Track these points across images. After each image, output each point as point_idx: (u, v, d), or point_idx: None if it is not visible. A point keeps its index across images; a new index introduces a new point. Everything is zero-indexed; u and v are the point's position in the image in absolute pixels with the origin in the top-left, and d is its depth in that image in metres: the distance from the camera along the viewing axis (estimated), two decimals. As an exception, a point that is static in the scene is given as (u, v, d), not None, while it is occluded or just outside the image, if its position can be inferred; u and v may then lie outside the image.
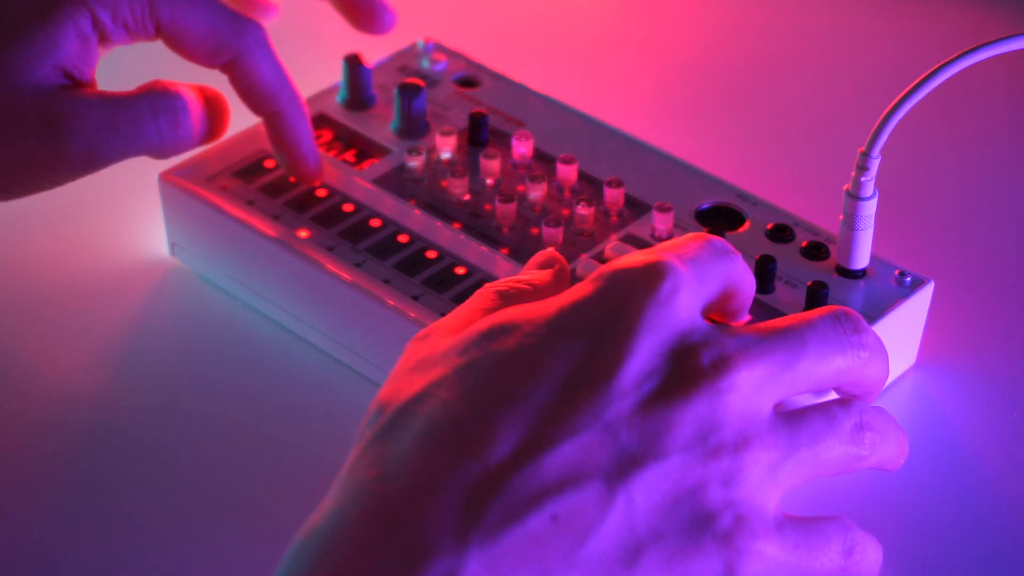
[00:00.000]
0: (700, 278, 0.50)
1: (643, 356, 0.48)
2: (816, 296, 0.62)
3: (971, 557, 0.59)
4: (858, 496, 0.62)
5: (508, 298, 0.53)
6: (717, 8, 0.92)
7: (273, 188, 0.70)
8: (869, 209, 0.63)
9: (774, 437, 0.49)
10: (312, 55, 0.83)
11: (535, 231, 0.67)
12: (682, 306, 0.49)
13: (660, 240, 0.66)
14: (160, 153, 0.66)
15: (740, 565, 0.48)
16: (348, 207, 0.69)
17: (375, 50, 0.77)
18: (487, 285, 0.54)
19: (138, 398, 0.66)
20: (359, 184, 0.69)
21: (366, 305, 0.64)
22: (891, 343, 0.65)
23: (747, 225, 0.67)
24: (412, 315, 0.63)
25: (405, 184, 0.69)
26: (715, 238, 0.52)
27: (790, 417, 0.50)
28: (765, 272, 0.64)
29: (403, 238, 0.67)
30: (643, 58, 0.88)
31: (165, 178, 0.70)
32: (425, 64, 0.76)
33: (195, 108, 0.66)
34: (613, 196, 0.68)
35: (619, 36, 0.90)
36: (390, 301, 0.64)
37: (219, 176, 0.70)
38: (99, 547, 0.59)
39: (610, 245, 0.66)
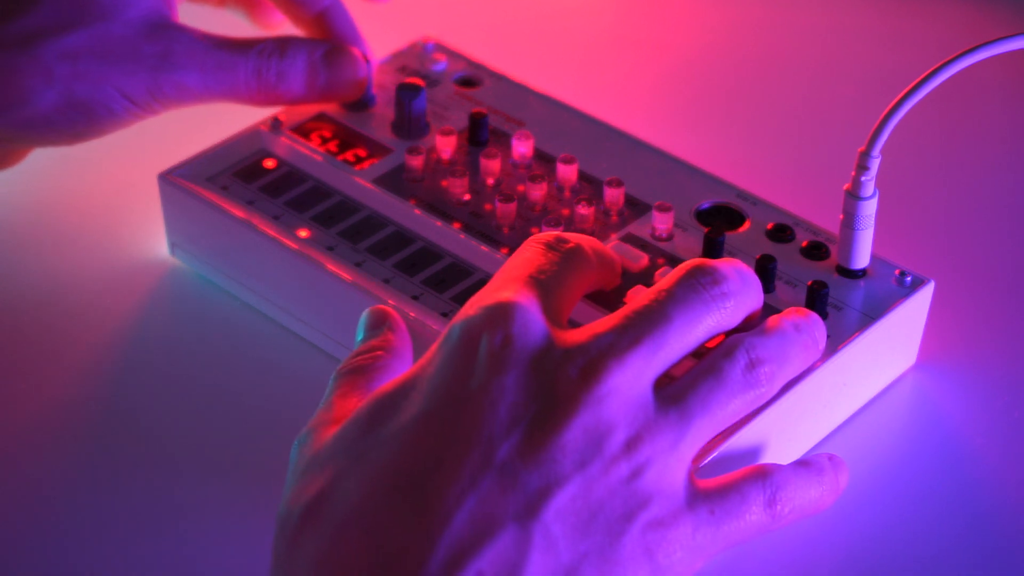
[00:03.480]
0: (544, 292, 0.51)
1: (510, 394, 0.48)
2: (816, 296, 0.62)
3: (971, 557, 0.59)
4: (857, 496, 0.62)
5: (362, 372, 0.55)
6: (717, 8, 0.92)
7: (273, 188, 0.70)
8: (869, 209, 0.63)
9: (664, 420, 0.50)
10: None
11: (535, 231, 0.67)
12: (531, 332, 0.49)
13: (660, 240, 0.66)
14: (258, 104, 0.70)
15: (661, 555, 0.48)
16: (348, 207, 0.69)
17: (375, 50, 0.77)
18: (337, 371, 0.55)
19: (138, 398, 0.66)
20: (359, 184, 0.69)
21: (366, 305, 0.64)
22: (891, 343, 0.65)
23: (747, 225, 0.67)
24: (412, 315, 0.63)
25: (405, 184, 0.69)
26: (552, 237, 0.54)
27: (676, 391, 0.51)
28: (765, 272, 0.64)
29: (403, 238, 0.67)
30: (643, 58, 0.88)
31: (165, 178, 0.70)
32: (425, 64, 0.76)
33: (304, 64, 0.69)
34: (613, 196, 0.68)
35: (619, 36, 0.90)
36: (390, 301, 0.64)
37: (219, 176, 0.70)
38: (99, 546, 0.59)
39: (610, 245, 0.66)
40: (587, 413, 0.48)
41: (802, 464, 0.54)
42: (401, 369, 0.56)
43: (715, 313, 0.52)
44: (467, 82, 0.76)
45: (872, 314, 0.63)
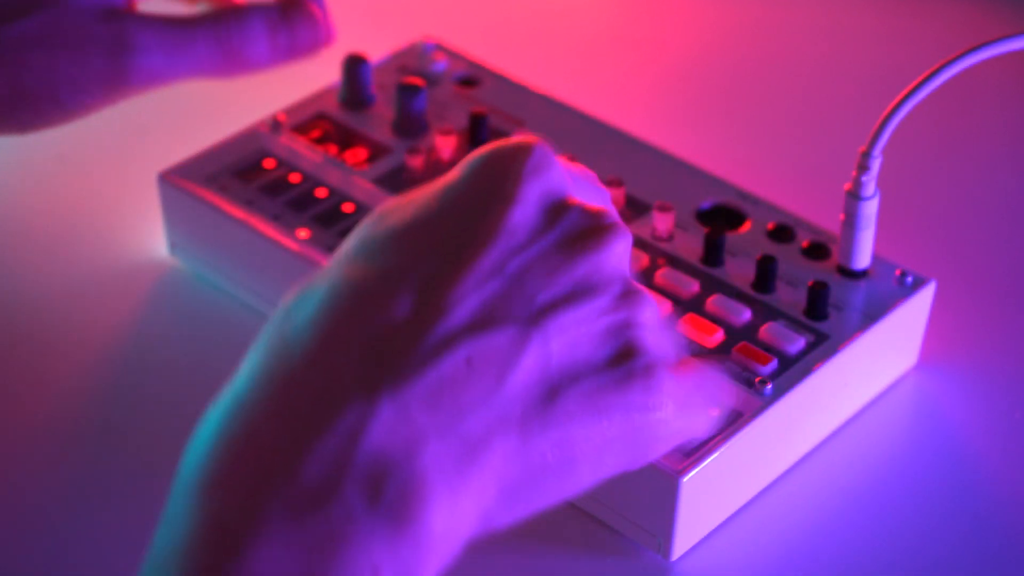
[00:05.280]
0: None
1: (535, 214, 0.49)
2: (817, 296, 0.62)
3: (973, 558, 0.59)
4: (858, 497, 0.62)
5: None
6: (717, 8, 0.91)
7: (273, 188, 0.70)
8: (870, 209, 0.63)
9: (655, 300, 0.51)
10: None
11: (535, 231, 0.67)
12: (558, 168, 0.51)
13: (660, 240, 0.66)
14: (225, 76, 0.69)
15: (656, 390, 0.49)
16: (348, 207, 0.69)
17: (375, 50, 0.77)
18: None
19: (138, 398, 0.65)
20: (359, 184, 0.69)
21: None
22: (892, 343, 0.65)
23: (748, 225, 0.67)
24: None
25: (405, 184, 0.69)
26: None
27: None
28: (766, 272, 0.64)
29: (403, 238, 0.67)
30: (643, 58, 0.88)
31: (164, 178, 0.70)
32: (425, 64, 0.76)
33: (263, 24, 0.69)
34: (613, 196, 0.68)
35: (619, 35, 0.90)
36: (390, 301, 0.64)
37: (219, 176, 0.70)
38: (98, 547, 0.59)
39: (611, 245, 0.65)
40: (601, 260, 0.50)
41: None
42: None
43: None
44: (467, 82, 0.76)
45: (873, 314, 0.63)
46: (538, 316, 0.47)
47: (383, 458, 0.43)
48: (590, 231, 0.50)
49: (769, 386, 0.59)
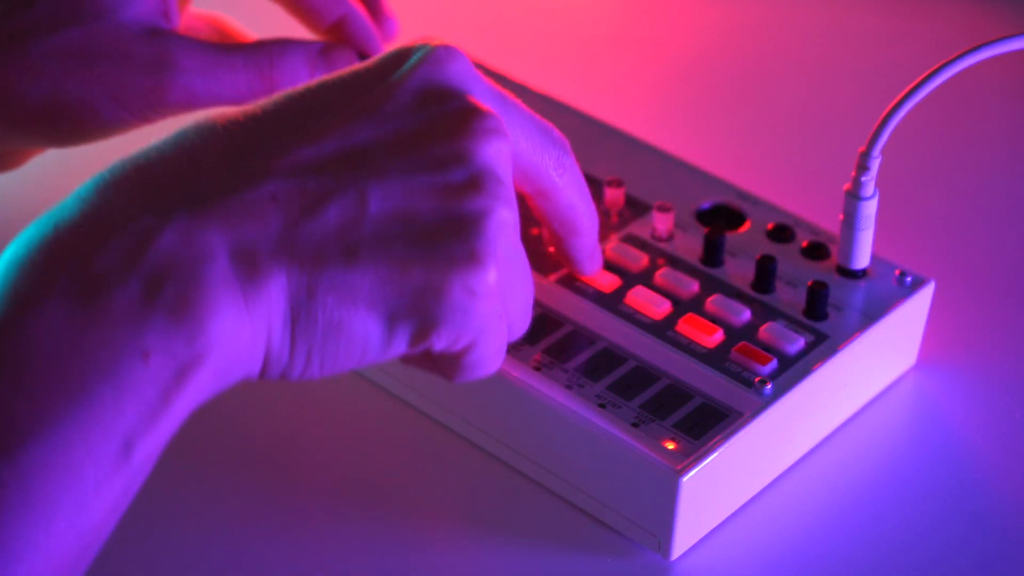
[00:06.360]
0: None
1: (408, 95, 0.51)
2: (817, 296, 0.62)
3: (971, 558, 0.59)
4: (857, 496, 0.62)
5: None
6: (717, 8, 0.92)
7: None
8: (869, 209, 0.63)
9: (510, 195, 0.52)
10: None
11: (535, 231, 0.67)
12: (459, 69, 0.53)
13: (660, 240, 0.66)
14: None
15: (470, 286, 0.50)
16: (348, 207, 0.68)
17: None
18: None
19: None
20: (359, 184, 0.69)
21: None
22: (891, 343, 0.65)
23: (747, 225, 0.67)
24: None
25: (405, 184, 0.69)
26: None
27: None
28: (765, 272, 0.64)
29: (403, 238, 0.67)
30: (643, 58, 0.88)
31: (165, 178, 0.70)
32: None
33: (303, 60, 0.69)
34: (613, 196, 0.68)
35: (619, 36, 0.90)
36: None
37: (219, 176, 0.70)
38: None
39: (611, 245, 0.66)
40: (461, 146, 0.51)
41: None
42: None
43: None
44: (467, 82, 0.76)
45: (872, 314, 0.63)
46: (367, 175, 0.49)
47: (171, 262, 0.46)
48: (458, 120, 0.51)
49: (769, 386, 0.59)
